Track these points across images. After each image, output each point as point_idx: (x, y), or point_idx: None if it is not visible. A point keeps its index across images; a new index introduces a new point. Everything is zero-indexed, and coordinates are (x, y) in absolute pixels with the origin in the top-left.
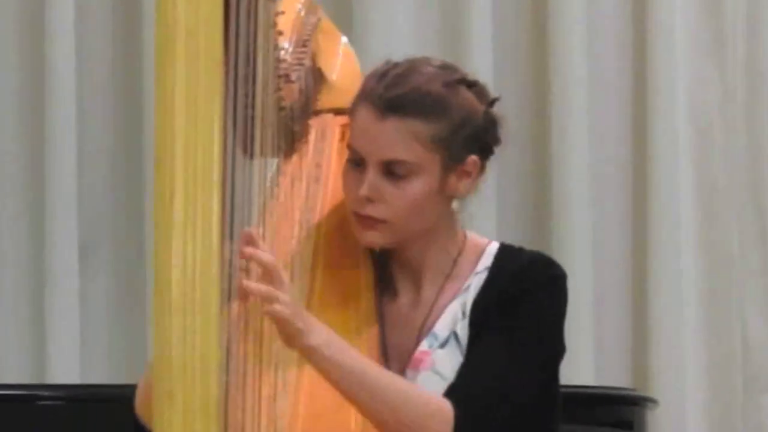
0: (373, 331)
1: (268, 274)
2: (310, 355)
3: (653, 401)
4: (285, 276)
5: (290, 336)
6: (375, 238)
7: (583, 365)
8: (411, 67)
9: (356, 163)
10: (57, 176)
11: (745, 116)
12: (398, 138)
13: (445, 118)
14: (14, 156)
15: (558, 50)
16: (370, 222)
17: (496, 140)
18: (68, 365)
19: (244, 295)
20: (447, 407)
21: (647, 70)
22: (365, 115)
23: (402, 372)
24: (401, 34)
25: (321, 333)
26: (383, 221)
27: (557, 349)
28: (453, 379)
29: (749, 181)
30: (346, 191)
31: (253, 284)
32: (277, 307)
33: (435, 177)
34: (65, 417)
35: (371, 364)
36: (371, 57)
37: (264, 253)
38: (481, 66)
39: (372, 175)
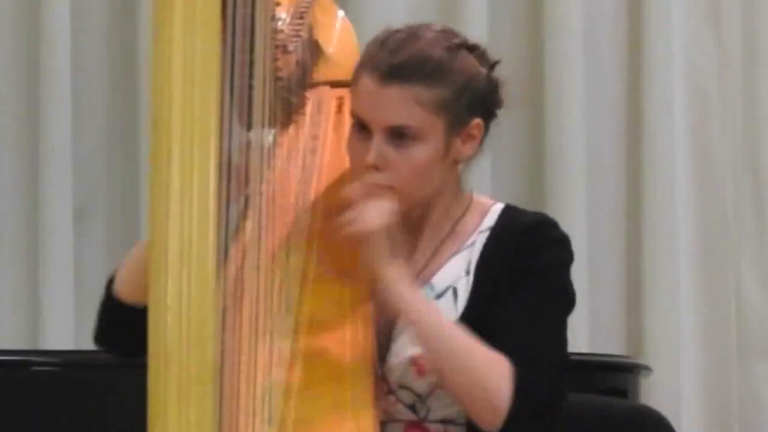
0: (368, 300)
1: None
2: (383, 288)
3: (647, 368)
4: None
5: (367, 259)
6: None
7: (577, 332)
8: (412, 32)
9: (361, 128)
10: (52, 139)
11: (741, 80)
12: (401, 104)
13: (447, 83)
14: (9, 119)
15: (553, 15)
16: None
17: (499, 103)
18: (63, 330)
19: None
20: (506, 361)
21: (643, 34)
22: (367, 83)
23: (392, 320)
24: (397, 5)
25: (396, 266)
26: (390, 189)
27: (570, 304)
28: (503, 341)
29: (745, 146)
30: (351, 158)
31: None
32: (377, 220)
33: (440, 141)
34: (59, 383)
35: (435, 309)
36: (367, 28)
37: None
38: (475, 19)
39: (378, 142)
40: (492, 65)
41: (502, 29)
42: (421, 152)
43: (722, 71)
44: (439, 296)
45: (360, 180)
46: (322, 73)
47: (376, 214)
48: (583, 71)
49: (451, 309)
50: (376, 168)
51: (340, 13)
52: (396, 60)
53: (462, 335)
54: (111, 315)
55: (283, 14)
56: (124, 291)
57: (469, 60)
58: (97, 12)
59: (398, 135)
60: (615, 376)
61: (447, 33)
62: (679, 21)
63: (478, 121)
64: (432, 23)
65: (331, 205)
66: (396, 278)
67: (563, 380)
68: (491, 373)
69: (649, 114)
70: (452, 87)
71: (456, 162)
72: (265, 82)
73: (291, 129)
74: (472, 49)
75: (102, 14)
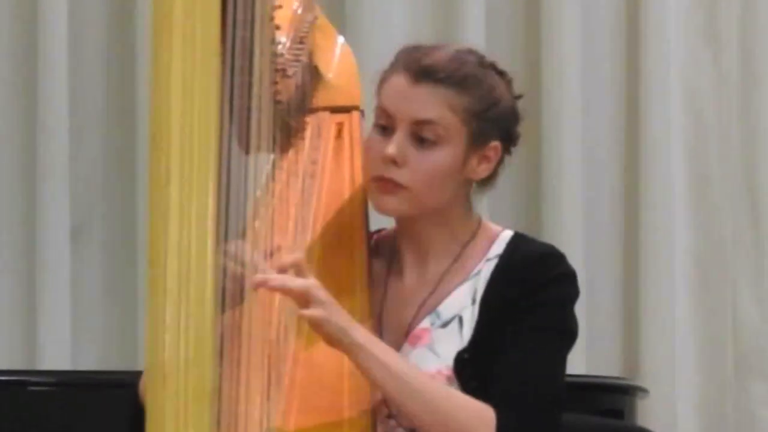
0: (368, 325)
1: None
2: (354, 352)
3: (643, 390)
4: (310, 274)
5: (332, 336)
6: (392, 204)
7: (574, 354)
8: (443, 44)
9: (383, 128)
10: (49, 157)
11: (738, 100)
12: (431, 101)
13: (477, 93)
14: (6, 137)
15: (551, 35)
16: (390, 186)
17: (517, 135)
18: (59, 349)
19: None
20: (488, 410)
21: (640, 54)
22: (399, 80)
23: (397, 346)
24: (394, 27)
25: (361, 330)
26: (404, 187)
27: (571, 340)
28: (493, 382)
29: (742, 166)
30: (368, 156)
31: (291, 281)
32: (315, 310)
33: (460, 151)
34: (56, 402)
35: (410, 365)
36: (365, 48)
37: (289, 257)
38: (473, 41)
39: (400, 137)
40: (515, 96)
41: (499, 47)
42: (441, 157)
43: (719, 92)
44: (444, 325)
45: (376, 173)
46: (321, 98)
47: (316, 298)
48: (581, 91)
49: (456, 338)
50: (394, 163)
51: (341, 39)
52: (430, 61)
53: (441, 387)
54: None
55: (282, 38)
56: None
57: (499, 81)
58: (95, 30)
59: (422, 132)
60: (612, 397)
61: (478, 52)
62: (676, 41)
63: (497, 143)
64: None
65: (331, 230)
66: (363, 343)
67: (554, 419)
68: (471, 418)
69: (646, 134)
70: (482, 99)
71: (468, 180)
72: (265, 104)
73: (290, 153)
74: (501, 74)
75: (99, 32)
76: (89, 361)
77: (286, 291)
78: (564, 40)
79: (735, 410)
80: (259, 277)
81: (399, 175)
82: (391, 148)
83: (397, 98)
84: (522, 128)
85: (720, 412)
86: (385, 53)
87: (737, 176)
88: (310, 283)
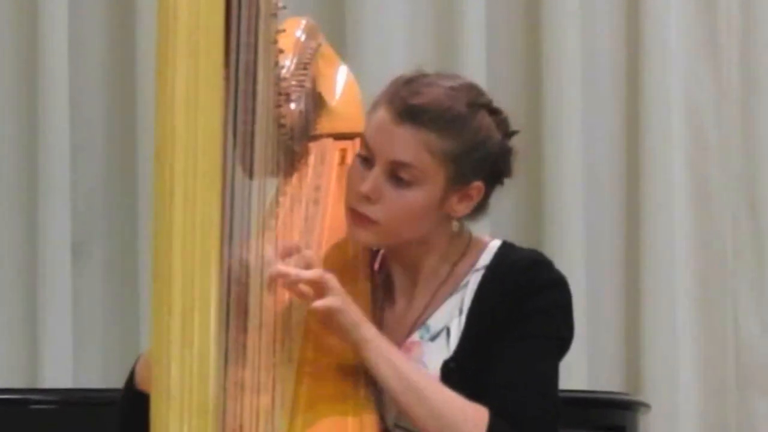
0: None
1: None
2: (363, 347)
3: (646, 406)
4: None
5: (343, 327)
6: (365, 237)
7: (575, 369)
8: (439, 79)
9: (365, 159)
10: (50, 175)
11: (739, 114)
12: (410, 144)
13: (459, 137)
14: (7, 154)
15: (552, 50)
16: (362, 220)
17: (507, 171)
18: (61, 367)
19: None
20: (483, 410)
21: (641, 68)
22: (383, 115)
23: None
24: (396, 48)
25: (371, 326)
26: (376, 222)
27: (563, 346)
28: (486, 394)
29: (743, 180)
30: (348, 185)
31: (306, 272)
32: (331, 299)
33: (437, 192)
34: (58, 421)
35: (414, 363)
36: (366, 74)
37: (305, 252)
38: (474, 69)
39: (377, 174)
40: (509, 133)
41: (500, 69)
42: (416, 196)
43: (720, 106)
44: (433, 338)
45: (351, 205)
46: (325, 124)
47: (332, 288)
48: (582, 107)
49: (444, 349)
50: (367, 199)
51: (344, 67)
52: (416, 102)
53: (442, 389)
54: (130, 406)
55: (287, 61)
56: (143, 381)
57: (488, 122)
58: (95, 46)
59: (399, 172)
60: (613, 413)
61: (473, 90)
62: (677, 57)
63: (479, 183)
64: (462, 77)
65: (334, 256)
66: (372, 338)
67: (549, 428)
68: (466, 422)
69: (647, 149)
70: (464, 143)
71: (447, 217)
72: (269, 127)
73: (294, 178)
74: (493, 112)
75: (100, 49)
76: (91, 380)
77: (301, 281)
78: (564, 58)
79: (737, 425)
80: (275, 269)
81: (372, 210)
82: (365, 186)
83: (378, 134)
84: (516, 160)
85: (722, 427)
86: (385, 76)
87: (738, 190)
88: (325, 273)
